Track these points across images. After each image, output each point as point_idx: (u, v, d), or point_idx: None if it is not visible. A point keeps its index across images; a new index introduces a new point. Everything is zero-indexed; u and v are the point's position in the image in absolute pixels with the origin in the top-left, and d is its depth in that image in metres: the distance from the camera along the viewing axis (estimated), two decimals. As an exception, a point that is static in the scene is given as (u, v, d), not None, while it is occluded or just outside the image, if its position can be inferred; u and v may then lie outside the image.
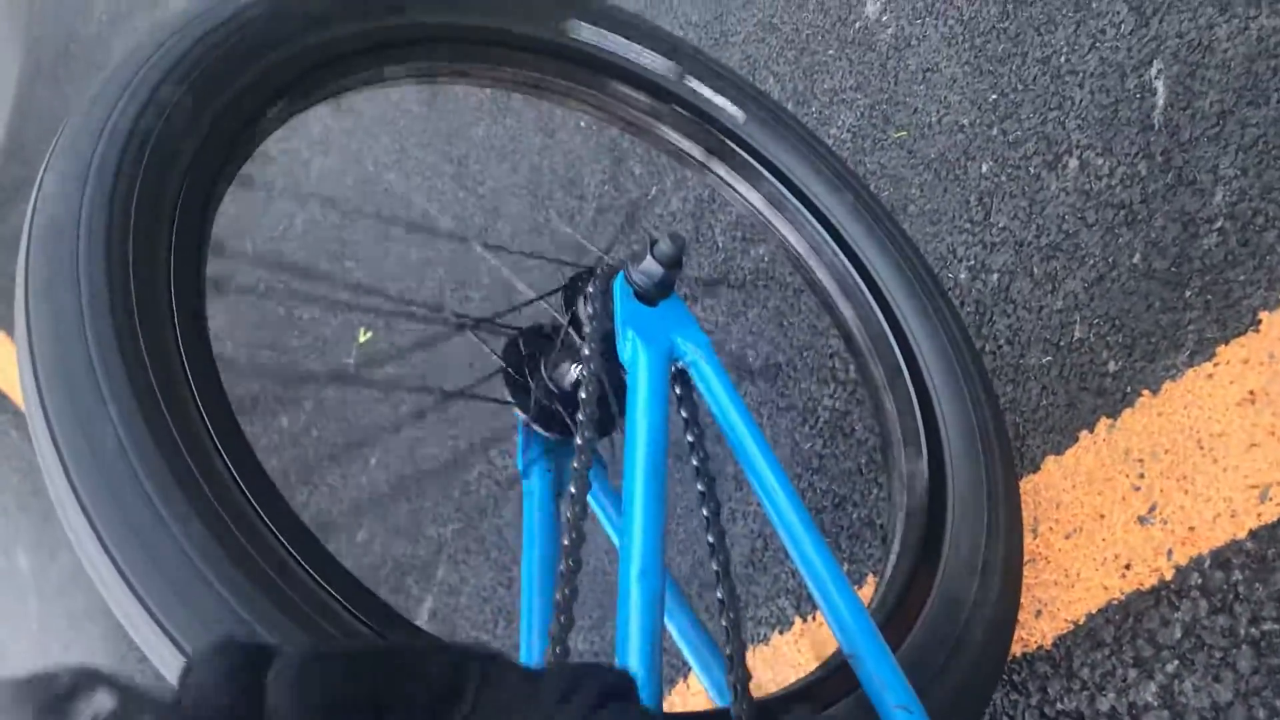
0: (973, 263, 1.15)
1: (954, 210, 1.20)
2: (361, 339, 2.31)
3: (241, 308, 2.57)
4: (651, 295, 0.79)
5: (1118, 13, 1.11)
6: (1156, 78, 1.04)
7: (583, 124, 1.99)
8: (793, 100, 1.54)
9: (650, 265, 0.78)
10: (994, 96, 1.22)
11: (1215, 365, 0.87)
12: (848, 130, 1.41)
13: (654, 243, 0.78)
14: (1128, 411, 0.92)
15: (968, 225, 1.18)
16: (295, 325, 2.45)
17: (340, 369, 2.32)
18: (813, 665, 1.17)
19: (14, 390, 4.00)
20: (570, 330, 0.82)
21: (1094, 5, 1.14)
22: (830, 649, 1.18)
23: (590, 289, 0.80)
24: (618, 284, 0.79)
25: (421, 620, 1.80)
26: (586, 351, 0.75)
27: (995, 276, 1.12)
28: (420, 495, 1.94)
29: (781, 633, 1.18)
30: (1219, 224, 0.92)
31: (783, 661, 1.17)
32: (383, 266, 2.33)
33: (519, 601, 1.66)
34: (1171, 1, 1.05)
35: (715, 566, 0.74)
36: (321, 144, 2.64)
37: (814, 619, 1.17)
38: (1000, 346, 1.07)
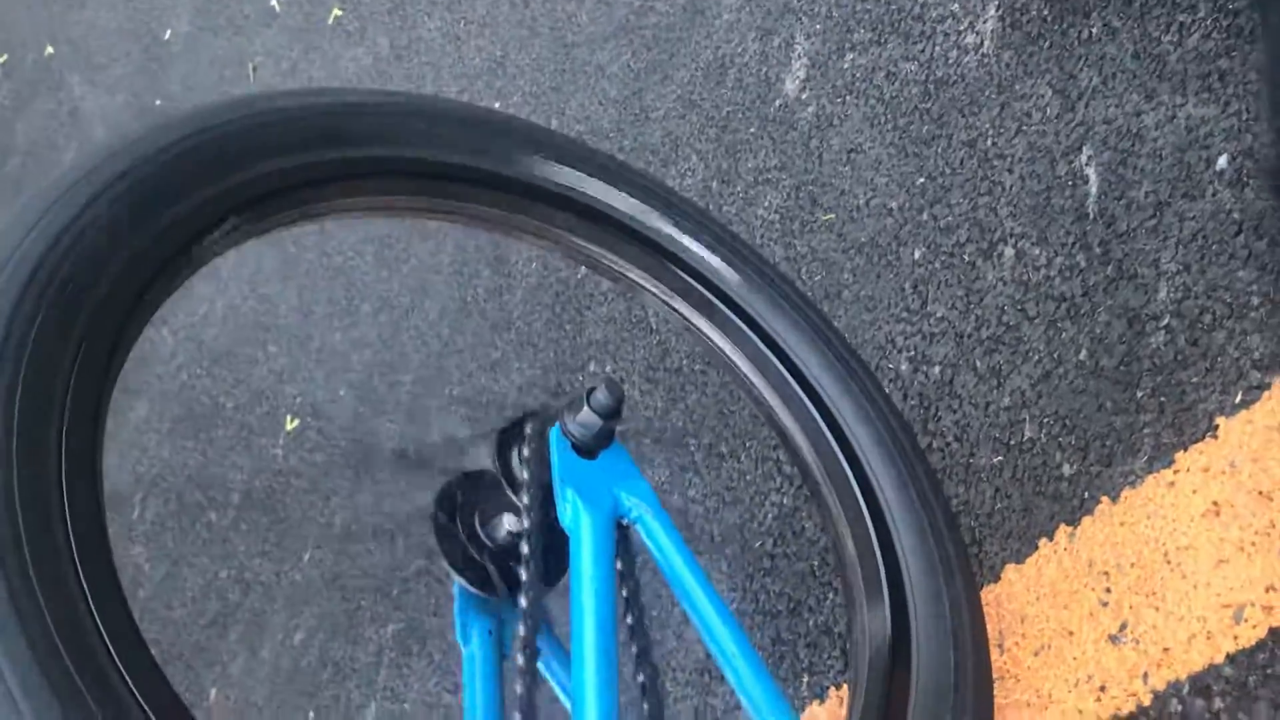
0: (913, 353, 1.11)
1: (889, 298, 1.16)
2: (288, 426, 2.21)
3: (164, 400, 2.45)
4: (591, 447, 0.73)
5: (1042, 95, 1.08)
6: (1087, 164, 1.00)
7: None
8: (717, 179, 1.49)
9: (588, 417, 0.72)
10: (921, 180, 1.18)
11: (1175, 473, 0.83)
12: (775, 211, 1.36)
13: (590, 391, 0.72)
14: (1087, 519, 0.88)
15: (905, 314, 1.13)
16: (220, 415, 2.34)
17: (268, 459, 2.22)
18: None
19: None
20: (505, 486, 0.75)
21: (1017, 87, 1.11)
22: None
23: (524, 443, 0.74)
24: (553, 438, 0.73)
25: (366, 728, 1.70)
26: (527, 518, 0.69)
27: (937, 369, 1.07)
28: (358, 594, 1.84)
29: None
30: (1165, 321, 0.88)
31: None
32: (307, 350, 2.24)
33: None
34: (1096, 86, 1.02)
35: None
36: (237, 226, 2.54)
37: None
38: (949, 443, 1.03)
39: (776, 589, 1.16)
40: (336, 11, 2.30)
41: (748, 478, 1.26)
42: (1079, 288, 0.96)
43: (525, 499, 0.71)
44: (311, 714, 1.85)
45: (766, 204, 1.38)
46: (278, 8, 2.42)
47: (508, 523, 0.77)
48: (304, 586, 1.99)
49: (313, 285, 2.28)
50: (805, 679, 1.07)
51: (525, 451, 0.72)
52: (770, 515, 1.20)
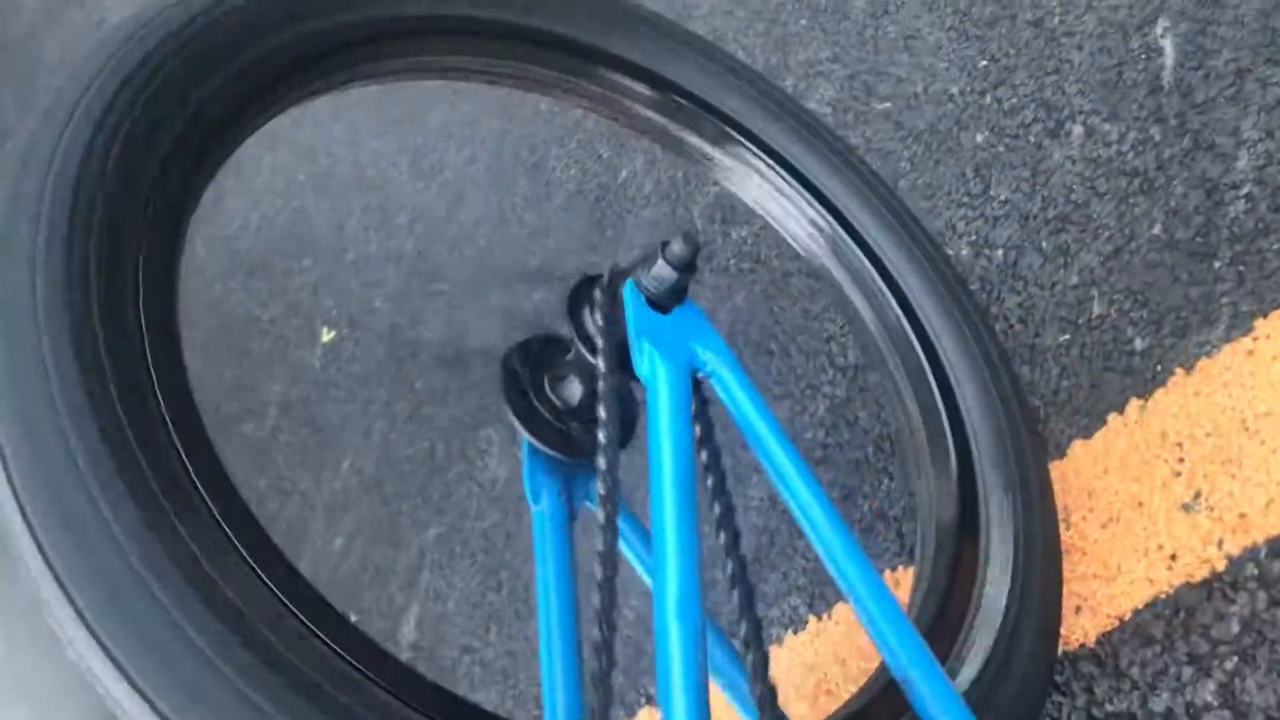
0: (974, 238, 1.09)
1: (949, 184, 1.14)
2: (325, 338, 2.21)
3: (199, 312, 2.46)
4: (665, 302, 0.72)
5: (1114, -31, 1.04)
6: (1163, 37, 0.97)
7: (543, 107, 1.90)
8: (766, 73, 1.46)
9: (663, 270, 0.70)
10: (984, 63, 1.16)
11: (1254, 340, 0.81)
12: (827, 104, 1.34)
13: (665, 244, 0.71)
14: (1160, 391, 0.86)
15: (965, 199, 1.11)
16: (256, 327, 2.35)
17: (305, 370, 2.22)
18: (830, 666, 1.11)
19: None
20: (579, 345, 0.74)
21: (1087, -37, 1.08)
22: (848, 649, 1.12)
23: (598, 298, 0.73)
24: (628, 292, 0.72)
25: (408, 628, 1.72)
26: (603, 367, 0.68)
27: (1000, 252, 1.05)
28: (398, 500, 1.85)
29: (795, 633, 1.12)
30: (1246, 189, 0.86)
31: (798, 662, 1.11)
32: (342, 262, 2.23)
33: (509, 606, 1.59)
34: (1174, -44, 0.99)
35: (736, 597, 0.67)
36: (270, 139, 2.52)
37: (829, 617, 1.11)
38: (1012, 326, 1.01)
39: (829, 478, 1.15)
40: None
41: (798, 372, 1.26)
42: (1153, 161, 0.94)
43: (599, 355, 0.70)
44: (354, 617, 1.87)
45: (819, 96, 1.35)
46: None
47: (578, 383, 0.76)
48: (343, 494, 2.01)
49: (347, 197, 2.26)
50: (861, 563, 1.07)
51: (599, 307, 0.72)
52: (822, 407, 1.20)
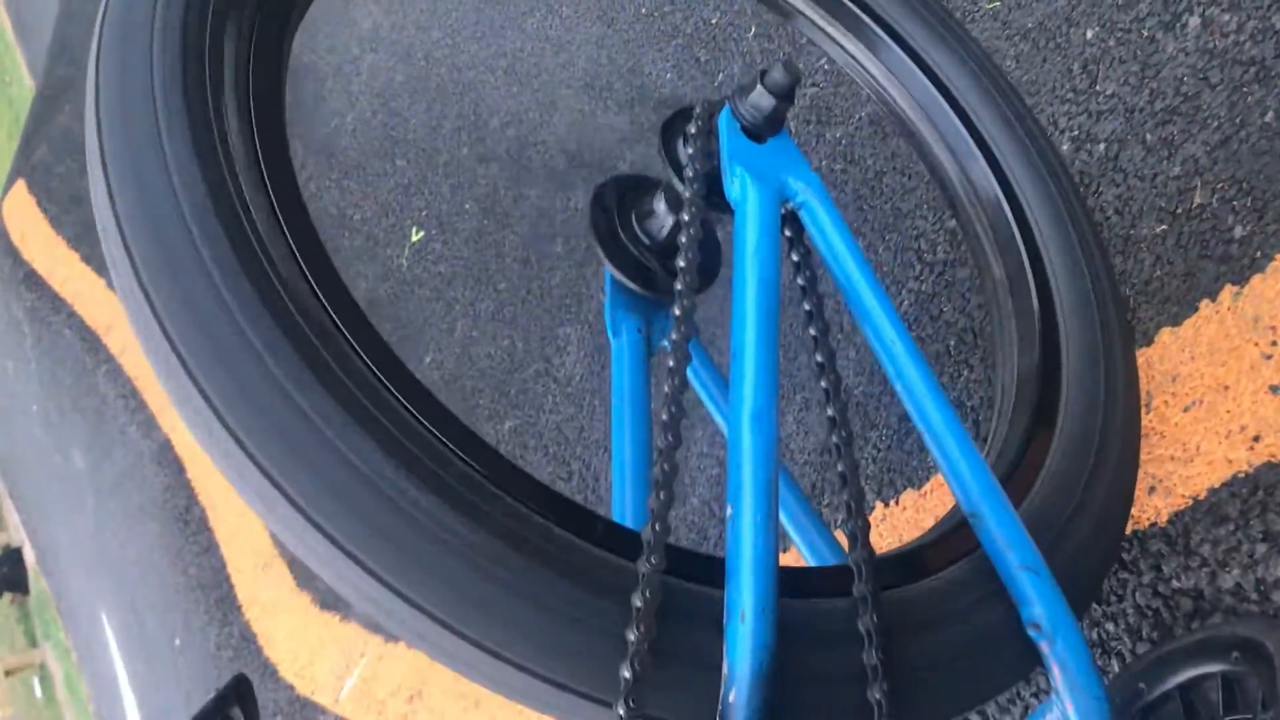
0: (1077, 133, 1.08)
1: (1054, 80, 1.13)
2: (414, 238, 2.26)
3: (291, 207, 2.52)
4: (761, 131, 0.73)
5: None
6: (1293, -76, 0.95)
7: (644, 9, 1.91)
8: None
9: (760, 97, 0.71)
10: (1101, -42, 1.13)
11: (1362, 223, 0.80)
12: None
13: (764, 72, 0.72)
14: (1257, 278, 0.85)
15: (1070, 95, 1.10)
16: (347, 226, 2.41)
17: (394, 268, 2.27)
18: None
19: (70, 294, 4.00)
20: (669, 173, 0.75)
21: None
22: (915, 533, 1.13)
23: (692, 126, 0.74)
24: (723, 119, 0.73)
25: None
26: (690, 192, 0.69)
27: (1102, 146, 1.04)
28: (476, 394, 1.90)
29: (862, 518, 1.13)
30: (1367, 74, 0.84)
31: (863, 548, 1.12)
32: (435, 164, 2.27)
33: (578, 495, 1.62)
34: None
35: (830, 412, 0.69)
36: (371, 40, 2.57)
37: (897, 504, 1.12)
38: (1109, 217, 1.00)
39: (908, 370, 1.16)
40: None
41: (885, 268, 1.26)
42: (1271, 50, 0.92)
43: (688, 181, 0.71)
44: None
45: (926, -4, 1.34)
46: None
47: (666, 219, 0.78)
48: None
49: (443, 100, 2.30)
50: (933, 451, 1.08)
51: (693, 130, 0.73)
52: (908, 301, 1.20)
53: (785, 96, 0.71)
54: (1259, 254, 0.86)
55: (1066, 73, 1.12)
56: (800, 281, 0.71)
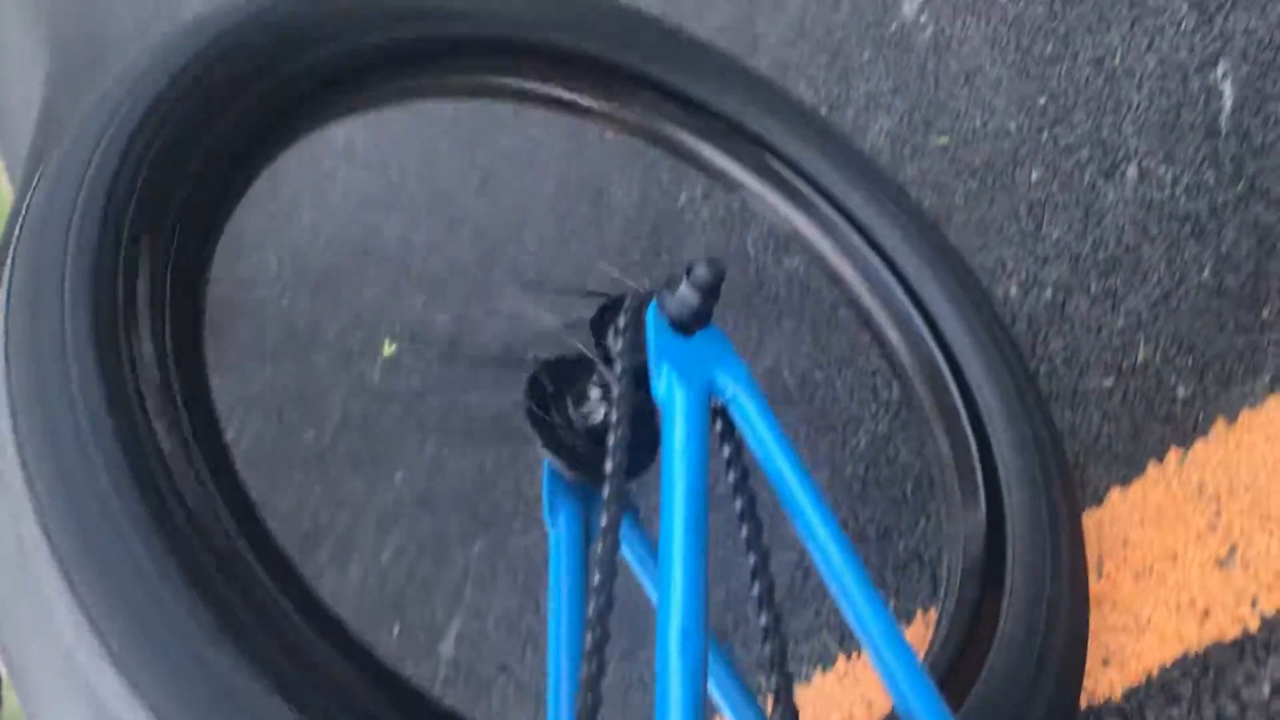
0: (1024, 277, 1.08)
1: (1002, 221, 1.13)
2: (386, 352, 2.26)
3: (267, 322, 2.53)
4: (688, 325, 0.72)
5: (1178, 9, 1.03)
6: (1223, 79, 0.96)
7: (608, 134, 1.93)
8: (827, 104, 1.46)
9: (686, 293, 0.71)
10: (1043, 100, 1.15)
11: (1300, 393, 0.79)
12: (886, 136, 1.34)
13: (690, 268, 0.72)
14: (1201, 442, 0.84)
15: (1018, 237, 1.10)
16: (320, 340, 2.40)
17: (366, 382, 2.27)
18: (857, 706, 1.09)
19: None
20: (600, 365, 0.75)
21: (1150, 2, 1.06)
22: (876, 690, 1.11)
23: (620, 320, 0.74)
24: (650, 314, 0.73)
25: (447, 644, 1.74)
26: (617, 388, 0.69)
27: (1049, 292, 1.04)
28: (446, 514, 1.88)
29: (824, 670, 1.10)
30: (1299, 238, 0.84)
31: (826, 701, 1.10)
32: (408, 276, 2.28)
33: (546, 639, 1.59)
34: (1238, -3, 0.97)
35: (763, 621, 0.67)
36: (346, 154, 2.59)
37: (859, 656, 1.10)
38: (1056, 368, 1.00)
39: (867, 514, 1.14)
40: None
41: (841, 404, 1.25)
42: (1206, 206, 0.92)
43: (616, 374, 0.71)
44: (396, 629, 1.90)
45: (878, 128, 1.35)
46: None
47: (600, 404, 0.77)
48: (394, 506, 2.04)
49: (415, 212, 2.31)
50: (892, 602, 1.06)
51: (621, 327, 0.73)
52: (864, 441, 1.19)
53: (712, 292, 0.71)
54: (1201, 417, 0.85)
55: (1014, 214, 1.12)
56: (731, 477, 0.70)
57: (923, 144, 1.28)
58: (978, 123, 1.21)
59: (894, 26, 1.39)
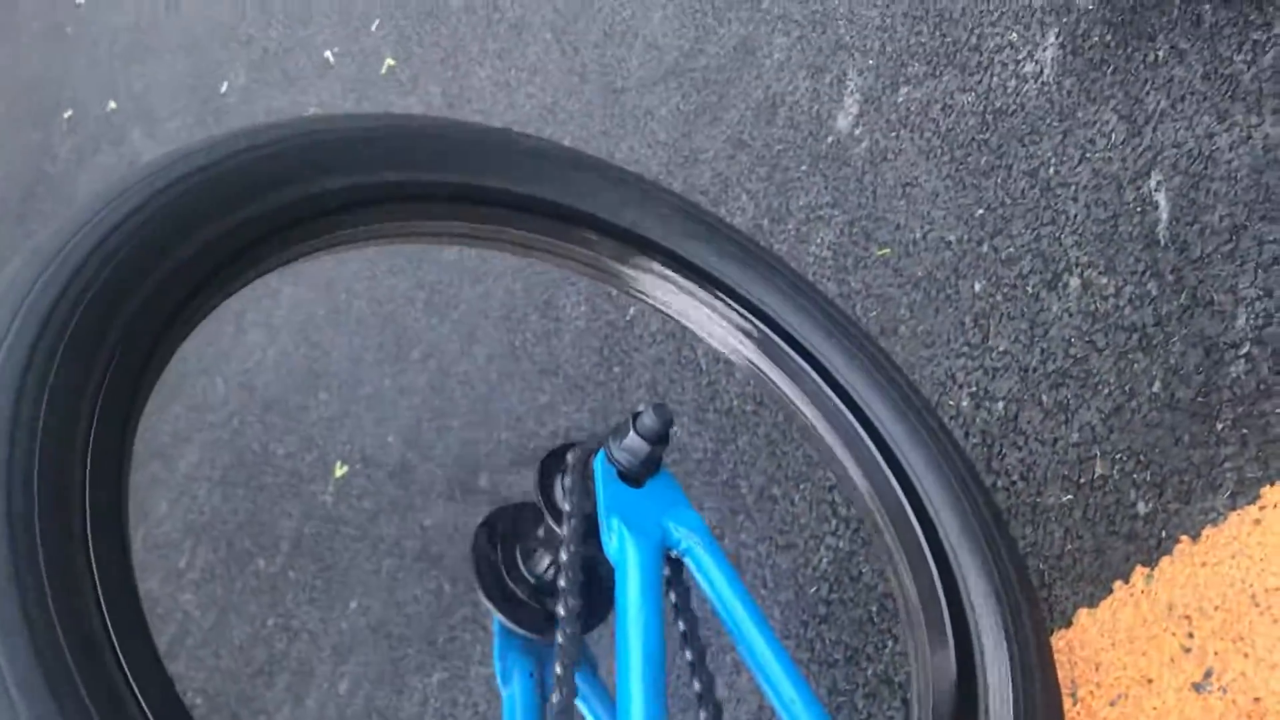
0: (975, 389, 1.06)
1: (949, 332, 1.12)
2: (338, 473, 2.20)
3: (216, 447, 2.46)
4: (637, 475, 0.69)
5: (1107, 121, 1.04)
6: (1157, 190, 0.96)
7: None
8: (768, 217, 1.46)
9: (634, 442, 0.68)
10: (980, 211, 1.15)
11: (1261, 509, 0.78)
12: (828, 248, 1.33)
13: (636, 415, 0.69)
14: (1166, 560, 0.82)
15: (965, 349, 1.09)
16: (270, 462, 2.34)
17: (318, 506, 2.20)
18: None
19: None
20: (548, 518, 0.71)
21: (1080, 115, 1.07)
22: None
23: (568, 470, 0.70)
24: (598, 464, 0.70)
25: (409, 781, 1.66)
26: (566, 549, 0.65)
27: (1001, 405, 1.03)
28: (403, 643, 1.81)
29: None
30: (1246, 349, 0.83)
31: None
32: (357, 396, 2.23)
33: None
34: (1164, 110, 0.98)
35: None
36: (290, 273, 2.56)
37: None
38: (1014, 482, 0.98)
39: (833, 637, 1.11)
40: (390, 62, 2.32)
41: (801, 521, 1.22)
42: (1150, 317, 0.92)
43: (566, 529, 0.67)
44: (356, 765, 1.81)
45: (819, 240, 1.35)
46: (332, 60, 2.46)
47: (550, 557, 0.74)
48: (350, 635, 1.97)
49: (364, 332, 2.28)
50: (864, 731, 1.02)
51: (568, 480, 0.69)
52: (825, 560, 1.16)
53: (660, 440, 0.68)
54: (1164, 534, 0.83)
55: (960, 325, 1.11)
56: (681, 626, 0.67)
57: (865, 255, 1.28)
58: (918, 234, 1.21)
59: (830, 140, 1.40)
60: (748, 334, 0.90)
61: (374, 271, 2.32)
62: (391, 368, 2.17)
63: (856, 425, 0.88)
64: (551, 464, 0.74)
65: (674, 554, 0.68)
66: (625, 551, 0.65)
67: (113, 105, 3.00)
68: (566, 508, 0.69)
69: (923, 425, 0.89)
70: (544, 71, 2.01)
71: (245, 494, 2.38)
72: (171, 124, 2.80)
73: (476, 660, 1.65)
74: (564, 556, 0.65)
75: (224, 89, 2.69)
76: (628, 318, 1.69)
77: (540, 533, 0.75)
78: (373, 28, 2.37)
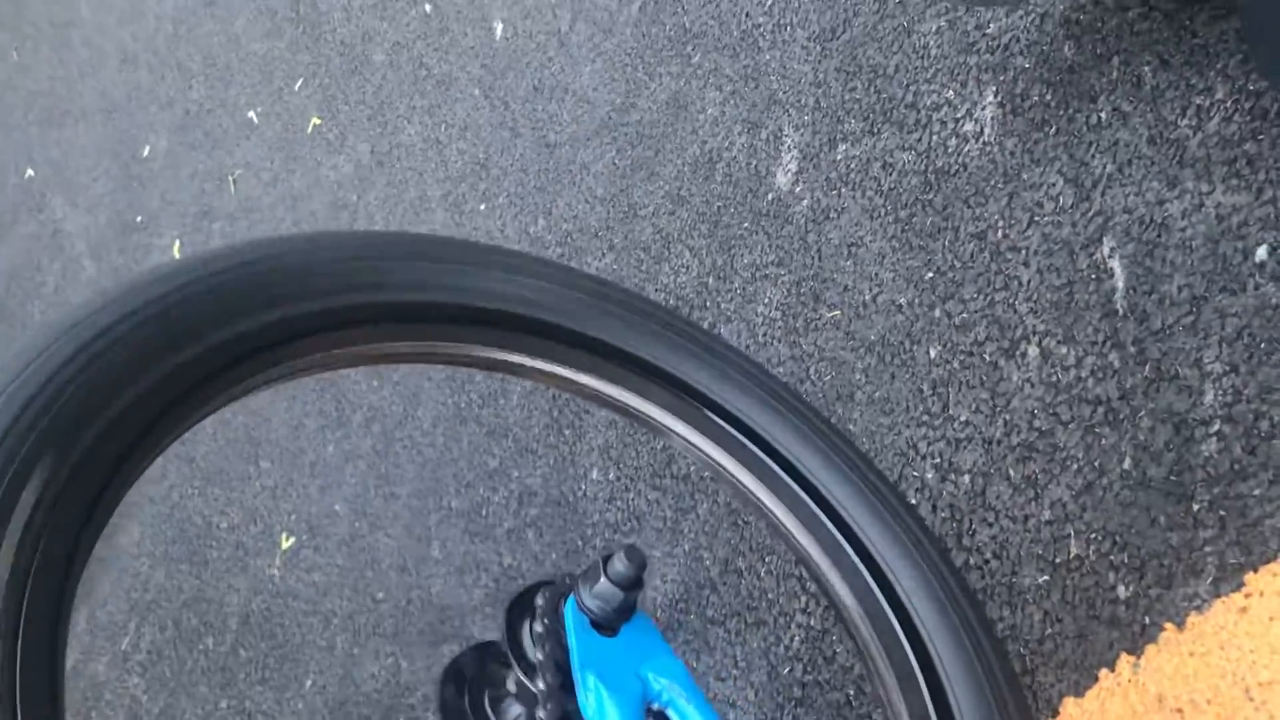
0: (939, 461, 1.03)
1: (907, 400, 1.09)
2: (284, 545, 2.11)
3: (157, 521, 2.36)
4: (611, 623, 0.64)
5: (1053, 184, 1.01)
6: (1110, 257, 0.93)
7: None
8: (713, 275, 1.42)
9: (606, 589, 0.63)
10: (930, 274, 1.12)
11: (1247, 597, 0.75)
12: (776, 309, 1.29)
13: (607, 559, 0.64)
14: (1151, 648, 0.79)
15: (925, 418, 1.06)
16: (214, 536, 2.25)
17: (265, 580, 2.12)
18: None
19: None
20: (517, 670, 0.66)
21: (1025, 176, 1.04)
22: None
23: (536, 618, 0.65)
24: (569, 613, 0.64)
25: None
26: (544, 709, 0.60)
27: (967, 478, 0.99)
28: (363, 725, 1.74)
29: None
30: (1216, 427, 0.80)
31: None
32: (300, 464, 2.15)
33: None
34: (1111, 174, 0.96)
35: None
36: (224, 340, 2.47)
37: None
38: (987, 561, 0.94)
39: (810, 720, 1.07)
40: (315, 120, 2.25)
41: (769, 596, 1.18)
42: (1115, 390, 0.89)
43: (541, 684, 0.62)
44: None
45: (766, 300, 1.31)
46: (255, 119, 2.37)
47: (521, 707, 0.68)
48: (307, 716, 1.89)
49: (304, 398, 2.19)
50: (850, 823, 0.98)
51: (538, 628, 0.64)
52: (797, 639, 1.11)
53: (633, 585, 0.63)
54: (1148, 621, 0.80)
55: (918, 393, 1.08)
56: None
57: (814, 317, 1.24)
58: (867, 296, 1.18)
59: (770, 197, 1.37)
60: (706, 431, 0.86)
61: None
62: (334, 434, 2.10)
63: (821, 514, 0.84)
64: (519, 607, 0.68)
65: (655, 707, 0.63)
66: (605, 711, 0.60)
67: (30, 173, 2.87)
68: (539, 658, 0.63)
69: (888, 508, 0.86)
70: (474, 127, 1.95)
71: (190, 570, 2.28)
72: (93, 190, 2.69)
73: (441, 742, 1.58)
74: (541, 716, 0.60)
75: (146, 152, 2.59)
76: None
77: (510, 681, 0.70)
78: (296, 86, 2.29)
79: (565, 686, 0.64)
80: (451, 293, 0.77)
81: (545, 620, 0.64)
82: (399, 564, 1.83)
